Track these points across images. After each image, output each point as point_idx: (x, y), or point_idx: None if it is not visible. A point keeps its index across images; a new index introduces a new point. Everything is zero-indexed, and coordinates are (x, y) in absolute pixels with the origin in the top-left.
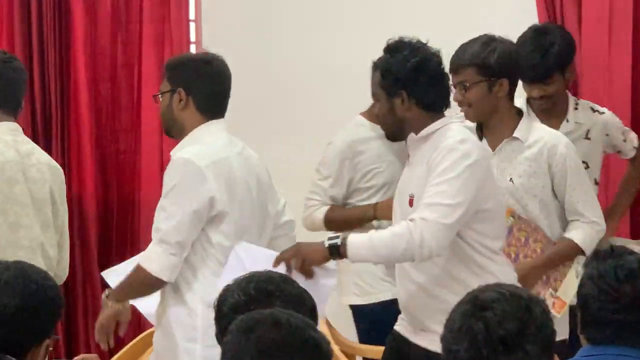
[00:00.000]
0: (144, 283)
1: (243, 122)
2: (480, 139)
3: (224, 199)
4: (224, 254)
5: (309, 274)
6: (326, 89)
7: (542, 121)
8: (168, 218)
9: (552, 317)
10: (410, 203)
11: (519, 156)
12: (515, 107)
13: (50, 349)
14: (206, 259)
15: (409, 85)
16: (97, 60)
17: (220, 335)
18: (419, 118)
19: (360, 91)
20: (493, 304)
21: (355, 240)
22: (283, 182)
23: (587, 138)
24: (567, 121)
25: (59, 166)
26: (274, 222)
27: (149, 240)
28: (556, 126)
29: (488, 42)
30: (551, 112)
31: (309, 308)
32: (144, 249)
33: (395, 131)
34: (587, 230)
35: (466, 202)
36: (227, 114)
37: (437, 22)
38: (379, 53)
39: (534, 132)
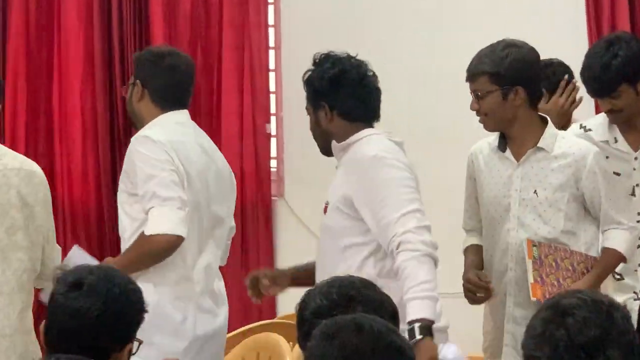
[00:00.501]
0: (157, 251)
1: None
2: (504, 149)
3: (181, 171)
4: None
5: None
6: (403, 91)
7: (624, 133)
8: (159, 182)
9: (633, 323)
10: (325, 210)
11: (545, 168)
12: (540, 116)
13: (133, 353)
14: None
15: (329, 96)
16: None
17: (302, 339)
18: (343, 130)
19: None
20: (574, 310)
21: (420, 312)
22: None
23: None
24: None
25: (36, 170)
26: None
27: None
28: (638, 141)
29: (503, 48)
30: (633, 125)
31: (390, 313)
32: None
33: (325, 145)
34: (627, 236)
35: (419, 199)
36: (297, 114)
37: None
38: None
39: (561, 142)
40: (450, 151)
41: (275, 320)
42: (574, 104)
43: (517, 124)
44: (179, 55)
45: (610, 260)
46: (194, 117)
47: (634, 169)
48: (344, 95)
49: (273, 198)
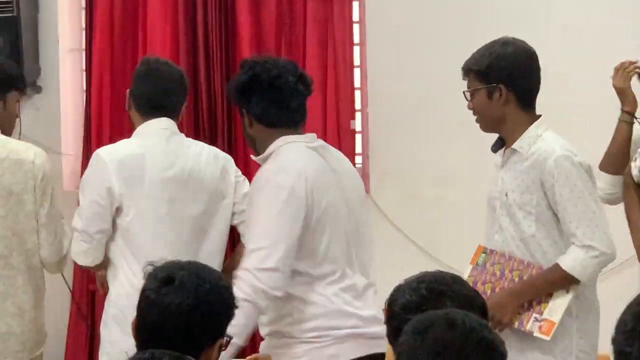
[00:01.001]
0: None
1: (397, 119)
2: (495, 150)
3: (122, 191)
4: (134, 244)
5: None
6: None
7: None
8: (78, 208)
9: None
10: None
11: (517, 170)
12: (536, 116)
13: (223, 349)
14: (122, 249)
15: (243, 102)
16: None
17: (393, 335)
18: (264, 136)
19: None
20: None
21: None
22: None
23: None
24: None
25: (25, 158)
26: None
27: None
28: None
29: (491, 46)
30: None
31: (479, 308)
32: None
33: (256, 150)
34: (578, 255)
35: (284, 239)
36: (382, 110)
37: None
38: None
39: (539, 144)
40: None
41: None
42: None
43: (507, 125)
44: (161, 62)
45: (549, 274)
46: None
47: None
48: (255, 100)
49: None
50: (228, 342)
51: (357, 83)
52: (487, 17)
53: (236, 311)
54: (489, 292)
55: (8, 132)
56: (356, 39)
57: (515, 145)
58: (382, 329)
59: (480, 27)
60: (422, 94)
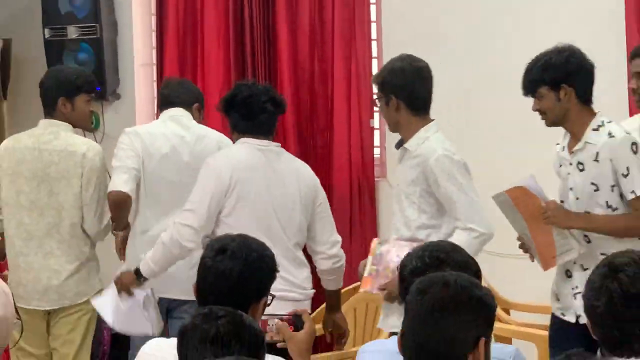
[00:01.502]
0: None
1: None
2: (397, 148)
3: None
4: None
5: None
6: (502, 95)
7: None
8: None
9: None
10: None
11: (406, 165)
12: (428, 120)
13: (268, 304)
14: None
15: (228, 114)
16: (298, 73)
17: (402, 294)
18: (235, 138)
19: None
20: (625, 267)
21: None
22: None
23: (596, 160)
24: (579, 140)
25: (76, 150)
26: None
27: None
28: (572, 145)
29: (389, 61)
30: (565, 128)
31: (474, 271)
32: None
33: None
34: (462, 236)
35: (204, 206)
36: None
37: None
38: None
39: (426, 144)
40: None
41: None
42: None
43: (402, 128)
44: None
45: None
46: (311, 115)
47: (568, 173)
48: (232, 113)
49: (376, 179)
50: (272, 300)
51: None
52: (504, 18)
53: (157, 246)
54: (390, 275)
55: (84, 127)
56: (374, 53)
57: (406, 145)
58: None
59: (494, 32)
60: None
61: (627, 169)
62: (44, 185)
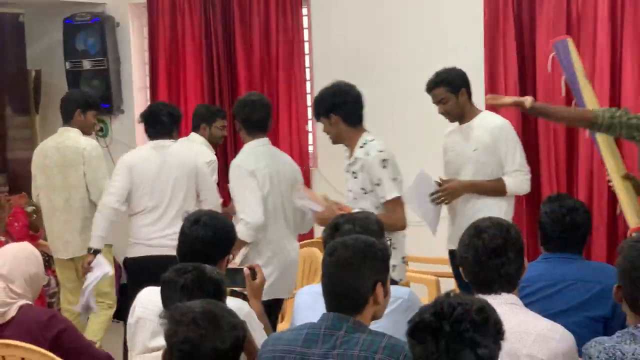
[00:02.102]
0: None
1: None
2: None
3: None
4: None
5: None
6: (406, 106)
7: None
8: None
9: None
10: None
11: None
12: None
13: (230, 258)
14: None
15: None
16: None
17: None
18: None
19: None
20: (487, 229)
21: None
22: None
23: (361, 171)
24: (352, 155)
25: (81, 148)
26: None
27: None
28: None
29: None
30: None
31: (374, 225)
32: None
33: None
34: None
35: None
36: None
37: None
38: None
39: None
40: None
41: (314, 239)
42: None
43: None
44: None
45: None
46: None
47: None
48: (145, 124)
49: (310, 168)
50: (232, 258)
51: (309, 103)
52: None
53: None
54: (323, 201)
55: (88, 133)
56: (307, 77)
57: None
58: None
59: (395, 65)
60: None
61: (379, 179)
62: (61, 172)
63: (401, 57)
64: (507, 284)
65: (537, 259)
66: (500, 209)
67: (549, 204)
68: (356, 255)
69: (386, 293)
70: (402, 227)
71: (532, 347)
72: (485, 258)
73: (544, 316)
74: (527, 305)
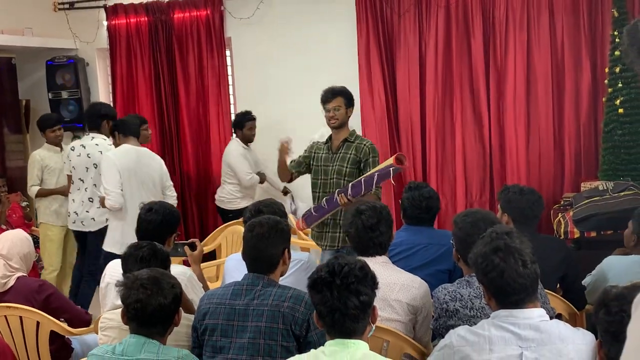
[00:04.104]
0: None
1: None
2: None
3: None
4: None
5: None
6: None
7: None
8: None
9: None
10: None
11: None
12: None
13: (175, 237)
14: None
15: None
16: (191, 113)
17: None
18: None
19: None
20: (365, 211)
21: None
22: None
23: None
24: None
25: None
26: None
27: None
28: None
29: None
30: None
31: (280, 210)
32: None
33: None
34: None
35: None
36: None
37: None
38: None
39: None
40: None
41: (239, 220)
42: None
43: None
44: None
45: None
46: (198, 135)
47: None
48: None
49: None
50: (177, 236)
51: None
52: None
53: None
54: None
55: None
56: (232, 101)
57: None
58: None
59: (297, 89)
60: (272, 115)
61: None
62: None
63: (298, 82)
64: (380, 249)
65: (400, 229)
66: None
67: (410, 192)
68: (270, 230)
69: (289, 257)
70: None
71: (399, 294)
72: (364, 232)
73: (406, 270)
74: (394, 262)
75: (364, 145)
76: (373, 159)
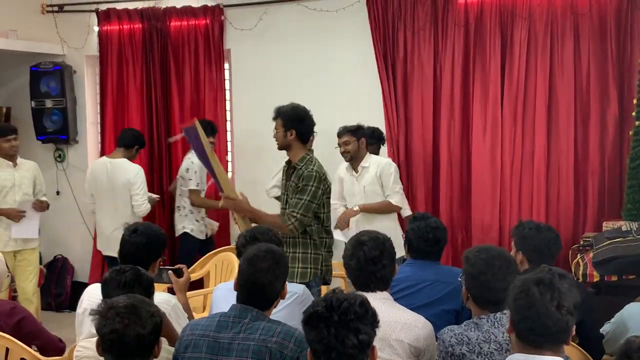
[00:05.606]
0: None
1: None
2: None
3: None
4: None
5: None
6: None
7: None
8: None
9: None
10: None
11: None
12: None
13: (160, 262)
14: None
15: None
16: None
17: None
18: None
19: None
20: (367, 242)
21: None
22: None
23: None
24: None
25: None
26: None
27: None
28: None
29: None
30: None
31: (276, 239)
32: None
33: None
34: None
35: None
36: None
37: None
38: None
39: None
40: None
41: (229, 247)
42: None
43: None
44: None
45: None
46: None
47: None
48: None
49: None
50: (162, 260)
51: (228, 137)
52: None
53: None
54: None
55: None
56: (228, 117)
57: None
58: None
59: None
60: (259, 129)
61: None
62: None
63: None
64: (381, 284)
65: (404, 263)
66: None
67: (415, 222)
68: (273, 264)
69: (285, 291)
70: None
71: (400, 333)
72: (365, 265)
73: (409, 309)
74: (396, 299)
75: (303, 171)
76: (304, 185)
